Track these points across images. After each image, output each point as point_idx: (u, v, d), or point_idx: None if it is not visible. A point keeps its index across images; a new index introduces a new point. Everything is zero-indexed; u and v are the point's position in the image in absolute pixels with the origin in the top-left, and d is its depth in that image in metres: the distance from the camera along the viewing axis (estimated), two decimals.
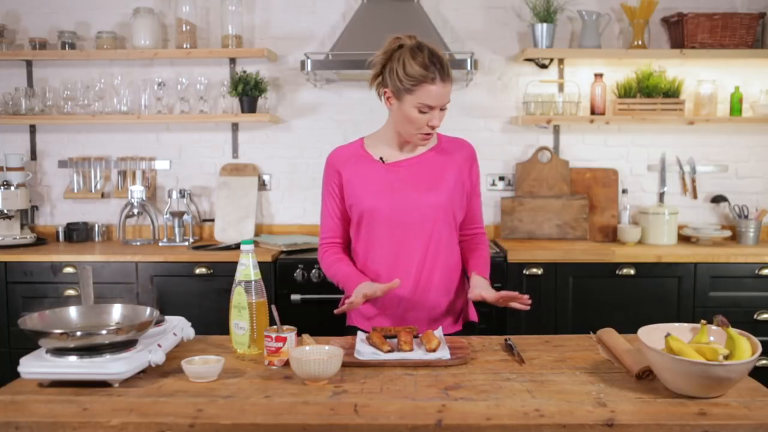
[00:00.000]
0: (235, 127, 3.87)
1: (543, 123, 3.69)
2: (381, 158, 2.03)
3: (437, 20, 3.70)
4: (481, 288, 1.94)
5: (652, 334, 1.56)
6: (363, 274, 2.03)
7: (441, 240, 2.02)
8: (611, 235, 3.75)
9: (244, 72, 3.65)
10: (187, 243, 3.63)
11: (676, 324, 1.63)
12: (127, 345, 1.60)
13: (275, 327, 1.71)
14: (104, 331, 1.55)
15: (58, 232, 3.80)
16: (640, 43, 3.62)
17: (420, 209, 1.99)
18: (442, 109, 1.95)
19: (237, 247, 3.34)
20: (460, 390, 1.52)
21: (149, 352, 1.61)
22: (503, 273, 3.26)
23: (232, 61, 3.80)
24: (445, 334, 1.93)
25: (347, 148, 2.11)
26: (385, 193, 1.99)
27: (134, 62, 3.82)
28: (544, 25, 3.57)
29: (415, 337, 1.86)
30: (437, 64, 1.89)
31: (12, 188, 3.58)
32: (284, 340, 1.67)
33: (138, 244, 3.67)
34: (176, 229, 3.69)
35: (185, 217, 3.71)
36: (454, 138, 2.13)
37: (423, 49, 1.91)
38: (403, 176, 2.01)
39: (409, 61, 1.88)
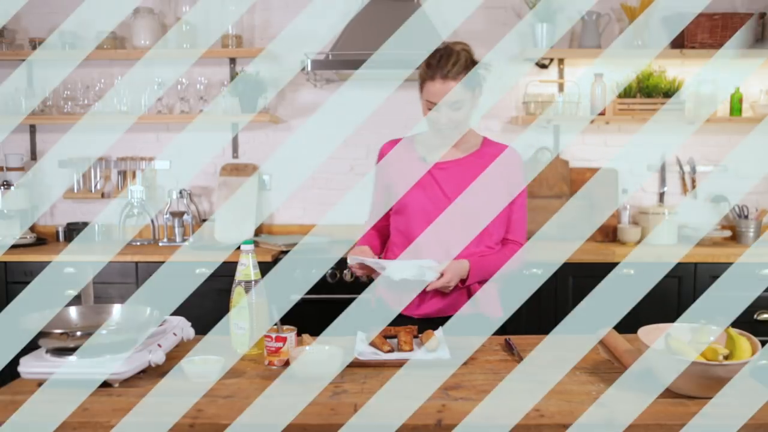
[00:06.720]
0: (235, 127, 3.87)
1: (543, 123, 3.69)
2: (424, 158, 2.08)
3: (437, 20, 3.69)
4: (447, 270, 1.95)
5: (652, 334, 1.55)
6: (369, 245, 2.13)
7: (461, 244, 2.01)
8: (611, 235, 3.75)
9: (244, 72, 3.65)
10: (187, 243, 3.63)
11: (676, 324, 1.63)
12: (127, 345, 1.60)
13: (275, 327, 1.71)
14: (104, 331, 1.55)
15: (58, 232, 3.80)
16: (640, 43, 3.62)
17: (447, 211, 2.01)
18: (456, 109, 1.95)
19: (237, 247, 3.34)
20: (460, 390, 1.52)
21: (149, 352, 1.61)
22: None
23: (232, 61, 3.80)
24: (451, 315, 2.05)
25: (397, 142, 2.16)
26: (419, 190, 2.04)
27: (134, 62, 3.81)
28: (544, 25, 3.57)
29: (415, 337, 1.87)
30: (440, 63, 1.93)
31: (12, 188, 3.58)
32: (284, 340, 1.67)
33: (138, 244, 3.67)
34: (176, 229, 3.69)
35: (185, 217, 3.71)
36: (498, 144, 2.12)
37: (439, 50, 1.97)
38: (439, 177, 2.05)
39: (423, 62, 1.96)
